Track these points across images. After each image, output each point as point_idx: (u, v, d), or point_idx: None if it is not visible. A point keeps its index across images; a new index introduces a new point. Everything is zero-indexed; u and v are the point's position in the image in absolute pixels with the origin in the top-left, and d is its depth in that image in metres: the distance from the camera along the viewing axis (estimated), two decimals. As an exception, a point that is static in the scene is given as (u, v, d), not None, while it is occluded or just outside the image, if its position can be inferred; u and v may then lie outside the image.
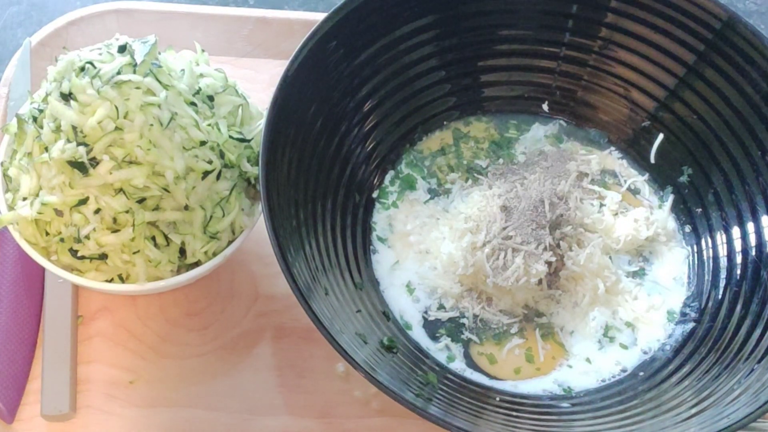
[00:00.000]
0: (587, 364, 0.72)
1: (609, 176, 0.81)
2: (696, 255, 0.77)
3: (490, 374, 0.71)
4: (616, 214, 0.78)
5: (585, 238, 0.74)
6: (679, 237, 0.78)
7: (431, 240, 0.76)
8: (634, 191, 0.80)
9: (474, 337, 0.72)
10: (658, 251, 0.77)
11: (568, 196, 0.76)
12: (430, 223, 0.77)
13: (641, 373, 0.71)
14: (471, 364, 0.71)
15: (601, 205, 0.78)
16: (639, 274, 0.76)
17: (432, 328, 0.73)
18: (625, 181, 0.80)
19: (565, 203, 0.75)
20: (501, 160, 0.80)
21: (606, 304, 0.74)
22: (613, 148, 0.82)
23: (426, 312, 0.73)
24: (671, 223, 0.79)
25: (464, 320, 0.73)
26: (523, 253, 0.71)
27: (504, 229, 0.73)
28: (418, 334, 0.72)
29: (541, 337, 0.72)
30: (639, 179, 0.81)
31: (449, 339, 0.72)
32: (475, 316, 0.73)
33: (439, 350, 0.71)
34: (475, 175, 0.80)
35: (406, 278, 0.75)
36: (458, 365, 0.71)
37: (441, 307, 0.74)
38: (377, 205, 0.78)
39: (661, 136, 0.79)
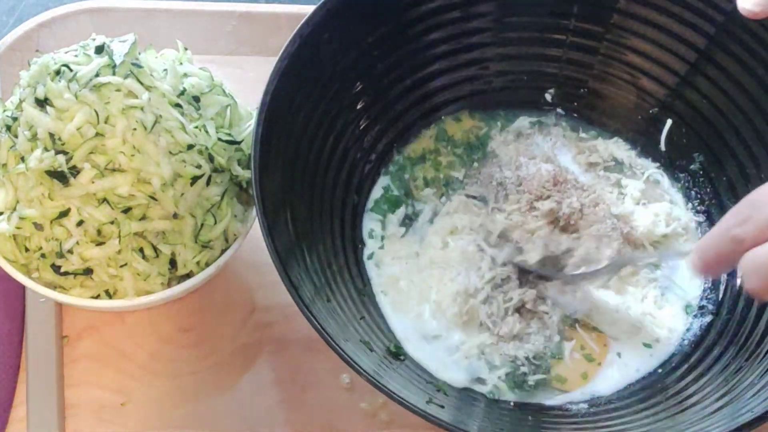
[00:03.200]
0: (618, 358, 0.70)
1: (620, 166, 0.79)
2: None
3: (564, 390, 0.68)
4: (638, 203, 0.76)
5: (599, 219, 0.72)
6: (693, 229, 0.76)
7: (419, 286, 0.72)
8: (654, 183, 0.78)
9: (541, 376, 0.68)
10: (673, 248, 0.75)
11: (567, 180, 0.74)
12: (412, 263, 0.73)
13: (660, 370, 0.69)
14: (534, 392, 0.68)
15: (620, 193, 0.76)
16: (656, 266, 0.74)
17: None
18: (643, 173, 0.78)
19: (571, 188, 0.73)
20: (476, 164, 0.78)
21: (618, 291, 0.72)
22: (618, 138, 0.80)
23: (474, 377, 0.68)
24: (692, 223, 0.76)
25: (522, 368, 0.68)
26: (520, 298, 0.69)
27: (492, 278, 0.69)
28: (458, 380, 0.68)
29: (581, 328, 0.70)
30: (655, 170, 0.78)
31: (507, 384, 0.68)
32: (527, 358, 0.68)
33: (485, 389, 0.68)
34: (450, 191, 0.76)
35: (419, 330, 0.70)
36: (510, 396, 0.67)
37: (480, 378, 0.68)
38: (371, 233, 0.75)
39: (669, 122, 0.77)
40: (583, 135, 0.81)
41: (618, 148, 0.80)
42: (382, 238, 0.74)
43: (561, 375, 0.68)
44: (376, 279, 0.72)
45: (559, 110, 0.81)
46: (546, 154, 0.77)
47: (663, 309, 0.72)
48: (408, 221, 0.75)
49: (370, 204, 0.76)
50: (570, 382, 0.68)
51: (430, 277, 0.71)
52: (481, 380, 0.68)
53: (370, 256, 0.73)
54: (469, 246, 0.72)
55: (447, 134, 0.80)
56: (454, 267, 0.71)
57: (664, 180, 0.78)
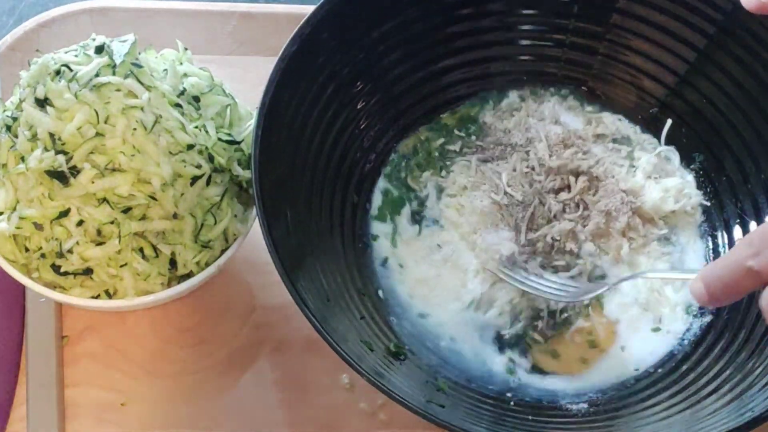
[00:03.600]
0: (620, 351, 0.69)
1: (629, 140, 0.78)
2: (711, 244, 0.75)
3: (556, 372, 0.68)
4: (650, 177, 0.75)
5: (608, 193, 0.72)
6: (700, 213, 0.76)
7: (448, 280, 0.72)
8: (665, 159, 0.77)
9: (539, 338, 0.69)
10: (681, 226, 0.75)
11: (577, 143, 0.74)
12: (436, 258, 0.72)
13: (660, 370, 0.69)
14: (534, 369, 0.68)
15: (632, 166, 0.75)
16: (667, 239, 0.74)
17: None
18: (654, 147, 0.77)
19: (576, 153, 0.73)
20: (473, 137, 0.77)
21: (630, 264, 0.71)
22: (622, 116, 0.79)
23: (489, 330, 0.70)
24: (699, 207, 0.76)
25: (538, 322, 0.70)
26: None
27: (514, 263, 0.70)
28: (474, 350, 0.69)
29: (592, 311, 0.70)
30: (667, 147, 0.77)
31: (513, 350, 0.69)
32: (550, 310, 0.69)
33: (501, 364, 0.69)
34: (448, 163, 0.76)
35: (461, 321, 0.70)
36: (522, 376, 0.68)
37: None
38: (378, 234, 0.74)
39: (669, 122, 0.77)
40: (588, 108, 0.80)
41: (623, 125, 0.79)
42: (394, 238, 0.74)
43: (556, 350, 0.69)
44: (399, 285, 0.71)
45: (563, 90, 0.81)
46: (554, 116, 0.77)
47: (668, 286, 0.71)
48: (417, 217, 0.75)
49: (374, 212, 0.75)
50: (563, 362, 0.68)
51: (455, 268, 0.71)
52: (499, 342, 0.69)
53: (384, 262, 0.73)
54: (483, 201, 0.72)
55: (440, 123, 0.79)
56: (477, 232, 0.71)
57: (676, 159, 0.77)
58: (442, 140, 0.78)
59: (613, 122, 0.78)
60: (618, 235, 0.72)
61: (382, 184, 0.76)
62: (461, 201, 0.73)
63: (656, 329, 0.70)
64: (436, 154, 0.77)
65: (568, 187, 0.73)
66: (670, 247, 0.73)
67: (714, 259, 0.74)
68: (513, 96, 0.80)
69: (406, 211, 0.75)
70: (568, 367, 0.69)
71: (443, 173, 0.76)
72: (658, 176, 0.76)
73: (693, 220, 0.75)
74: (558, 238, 0.71)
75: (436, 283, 0.72)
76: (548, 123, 0.76)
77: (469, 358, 0.69)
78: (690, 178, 0.76)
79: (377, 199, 0.75)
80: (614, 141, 0.78)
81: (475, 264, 0.71)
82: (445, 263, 0.72)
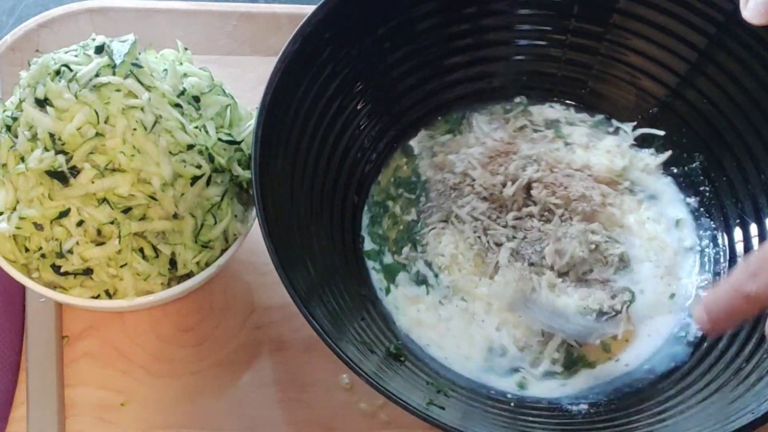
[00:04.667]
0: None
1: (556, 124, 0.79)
2: (711, 243, 0.75)
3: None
4: (587, 147, 0.76)
5: (568, 180, 0.73)
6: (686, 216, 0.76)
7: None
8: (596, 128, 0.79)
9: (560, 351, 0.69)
10: (642, 181, 0.76)
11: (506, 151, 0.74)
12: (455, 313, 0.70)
13: (660, 371, 0.68)
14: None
15: (566, 143, 0.77)
16: (632, 192, 0.75)
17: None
18: (584, 122, 0.79)
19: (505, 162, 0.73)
20: (422, 199, 0.75)
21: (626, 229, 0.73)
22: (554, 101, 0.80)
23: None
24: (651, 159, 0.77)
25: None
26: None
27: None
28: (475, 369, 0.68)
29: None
30: (627, 125, 0.79)
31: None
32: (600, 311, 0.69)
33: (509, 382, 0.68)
34: (417, 236, 0.73)
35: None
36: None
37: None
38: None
39: (669, 123, 0.77)
40: (507, 106, 0.80)
41: (553, 111, 0.79)
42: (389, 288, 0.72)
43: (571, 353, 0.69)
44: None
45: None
46: (476, 137, 0.77)
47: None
48: (421, 279, 0.72)
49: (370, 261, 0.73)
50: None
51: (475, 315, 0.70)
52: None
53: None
54: (471, 256, 0.71)
55: (405, 158, 0.78)
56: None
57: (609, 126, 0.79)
58: (399, 208, 0.75)
59: (541, 113, 0.79)
60: (602, 208, 0.72)
61: (370, 264, 0.73)
62: (455, 266, 0.72)
63: (672, 296, 0.70)
64: (401, 227, 0.74)
65: (529, 197, 0.73)
66: (646, 199, 0.75)
67: (713, 250, 0.74)
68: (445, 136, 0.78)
69: (401, 277, 0.72)
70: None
71: (419, 248, 0.73)
72: (593, 144, 0.77)
73: (643, 166, 0.77)
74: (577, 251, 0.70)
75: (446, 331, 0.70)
76: (463, 150, 0.75)
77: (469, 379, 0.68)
78: (629, 132, 0.78)
79: (368, 245, 0.74)
80: (535, 131, 0.78)
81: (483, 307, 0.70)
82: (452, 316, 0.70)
